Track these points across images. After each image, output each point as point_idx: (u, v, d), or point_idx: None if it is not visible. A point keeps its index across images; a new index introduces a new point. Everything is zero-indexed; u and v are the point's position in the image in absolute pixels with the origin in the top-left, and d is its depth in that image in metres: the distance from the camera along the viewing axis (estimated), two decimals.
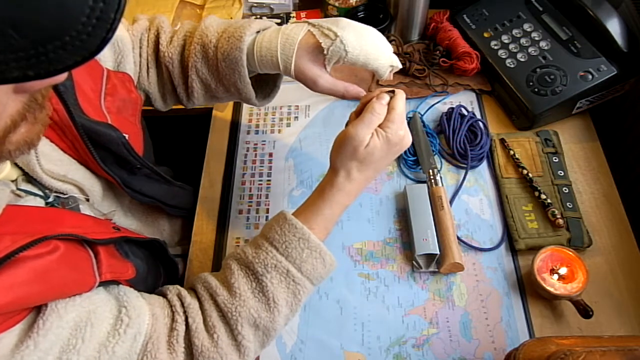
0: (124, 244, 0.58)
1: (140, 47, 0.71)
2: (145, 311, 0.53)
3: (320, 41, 0.62)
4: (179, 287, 0.60)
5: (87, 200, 0.62)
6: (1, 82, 0.27)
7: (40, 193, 0.54)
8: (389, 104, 0.60)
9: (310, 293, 0.60)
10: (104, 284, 0.52)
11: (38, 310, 0.44)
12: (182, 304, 0.57)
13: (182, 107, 0.77)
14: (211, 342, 0.55)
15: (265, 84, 0.74)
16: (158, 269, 0.67)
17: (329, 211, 0.61)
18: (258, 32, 0.66)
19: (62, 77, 0.34)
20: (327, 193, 0.61)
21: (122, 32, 0.69)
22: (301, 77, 0.64)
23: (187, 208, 0.82)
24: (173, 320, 0.55)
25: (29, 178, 0.53)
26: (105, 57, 0.65)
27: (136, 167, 0.66)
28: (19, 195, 0.50)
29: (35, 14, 0.26)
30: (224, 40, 0.65)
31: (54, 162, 0.55)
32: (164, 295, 0.58)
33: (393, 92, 0.62)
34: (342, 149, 0.59)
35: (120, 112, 0.64)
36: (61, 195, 0.56)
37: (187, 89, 0.72)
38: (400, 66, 0.68)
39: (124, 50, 0.68)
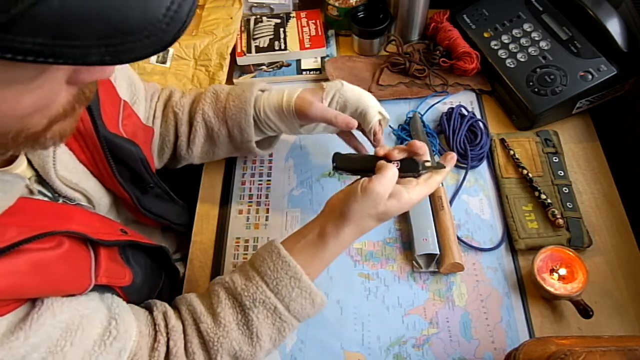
0: (128, 249, 0.58)
1: (150, 101, 0.77)
2: (133, 328, 0.53)
3: (321, 84, 0.74)
4: (166, 305, 0.59)
5: (93, 209, 0.62)
6: (81, 64, 0.30)
7: (50, 195, 0.54)
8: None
9: (295, 330, 0.60)
10: (99, 289, 0.51)
11: (30, 304, 0.44)
12: (167, 325, 0.56)
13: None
14: None
15: (262, 141, 0.79)
16: (158, 278, 0.66)
17: (328, 258, 0.61)
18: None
19: (111, 71, 0.38)
20: (331, 242, 0.60)
21: (138, 81, 0.73)
22: (299, 102, 0.70)
23: (187, 224, 0.82)
24: (155, 340, 0.55)
25: (41, 180, 0.53)
26: (123, 94, 0.67)
27: (149, 186, 0.68)
28: (32, 191, 0.51)
29: (123, 9, 0.29)
30: (236, 88, 0.75)
31: (69, 169, 0.56)
32: (150, 311, 0.58)
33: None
34: (360, 203, 0.58)
35: (135, 136, 0.66)
36: (68, 202, 0.57)
37: (189, 135, 0.76)
38: (389, 118, 0.74)
39: (138, 96, 0.72)
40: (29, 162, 0.52)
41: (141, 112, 0.72)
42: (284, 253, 0.59)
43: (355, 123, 0.70)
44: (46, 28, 0.27)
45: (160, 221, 0.74)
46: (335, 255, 0.62)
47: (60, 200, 0.56)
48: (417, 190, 0.60)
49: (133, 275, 0.57)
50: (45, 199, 0.53)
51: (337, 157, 0.68)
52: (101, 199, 0.63)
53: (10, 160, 0.48)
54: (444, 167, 0.63)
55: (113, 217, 0.68)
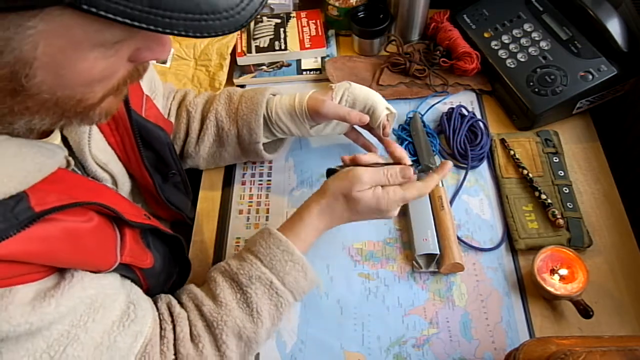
0: (149, 234, 0.60)
1: (167, 99, 0.80)
2: (149, 315, 0.55)
3: (330, 85, 0.78)
4: (170, 296, 0.61)
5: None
6: (169, 34, 0.34)
7: (80, 173, 0.56)
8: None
9: (290, 307, 0.62)
10: (120, 269, 0.53)
11: (59, 275, 0.46)
12: (171, 313, 0.58)
13: None
14: (196, 351, 0.56)
15: (268, 146, 0.82)
16: (174, 268, 0.68)
17: (308, 233, 0.65)
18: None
19: (167, 54, 0.42)
20: (306, 216, 0.65)
21: (157, 79, 0.75)
22: (311, 102, 0.74)
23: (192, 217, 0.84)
24: (161, 328, 0.57)
25: (73, 158, 0.55)
26: (144, 88, 0.68)
27: (171, 173, 0.70)
28: (69, 164, 0.53)
29: None
30: (249, 91, 0.78)
31: (100, 149, 0.58)
32: (155, 302, 0.60)
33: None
34: (341, 181, 0.64)
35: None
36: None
37: (199, 133, 0.79)
38: (396, 112, 0.78)
39: (157, 92, 0.74)
40: (64, 141, 0.54)
41: (159, 108, 0.74)
42: (274, 231, 0.63)
43: (367, 118, 0.74)
44: None
45: (176, 212, 0.75)
46: (315, 231, 0.65)
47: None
48: (392, 189, 0.65)
49: (154, 259, 0.59)
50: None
51: (330, 171, 0.69)
52: (124, 184, 0.64)
53: (45, 135, 0.50)
54: (436, 167, 0.68)
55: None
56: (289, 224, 0.65)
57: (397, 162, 0.69)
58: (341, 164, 0.70)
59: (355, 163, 0.68)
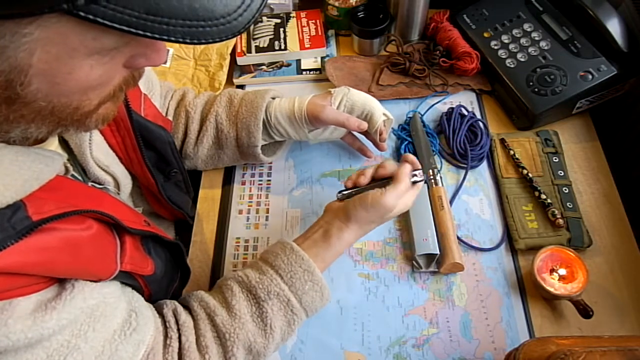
0: (149, 240, 0.59)
1: (164, 98, 0.80)
2: (151, 322, 0.55)
3: (329, 90, 0.79)
4: (175, 302, 0.61)
5: (118, 194, 0.64)
6: (166, 40, 0.34)
7: (80, 178, 0.55)
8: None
9: (301, 325, 0.62)
10: (121, 277, 0.52)
11: (59, 286, 0.45)
12: (177, 321, 0.57)
13: None
14: None
15: (267, 149, 0.83)
16: (175, 273, 0.68)
17: (330, 257, 0.64)
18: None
19: (163, 60, 0.41)
20: (335, 242, 0.64)
21: (154, 78, 0.75)
22: (311, 107, 0.75)
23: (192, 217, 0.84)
24: (166, 336, 0.56)
25: (72, 162, 0.55)
26: (142, 87, 0.68)
27: (172, 172, 0.70)
28: (67, 170, 0.52)
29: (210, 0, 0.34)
30: (249, 94, 0.78)
31: (102, 152, 0.58)
32: (160, 309, 0.59)
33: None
34: (370, 212, 0.63)
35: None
36: (97, 185, 0.59)
37: (199, 134, 0.79)
38: (393, 118, 0.80)
39: (154, 92, 0.74)
40: (64, 145, 0.53)
41: (157, 107, 0.74)
42: (297, 248, 0.62)
43: (366, 125, 0.75)
44: (144, 3, 0.32)
45: (178, 211, 0.75)
46: (337, 255, 0.65)
47: (89, 184, 0.57)
48: (408, 196, 0.66)
49: (155, 266, 0.58)
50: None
51: (339, 195, 0.69)
52: (126, 186, 0.64)
53: (41, 141, 0.49)
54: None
55: (131, 207, 0.69)
56: (312, 243, 0.64)
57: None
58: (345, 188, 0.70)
59: (355, 185, 0.68)
